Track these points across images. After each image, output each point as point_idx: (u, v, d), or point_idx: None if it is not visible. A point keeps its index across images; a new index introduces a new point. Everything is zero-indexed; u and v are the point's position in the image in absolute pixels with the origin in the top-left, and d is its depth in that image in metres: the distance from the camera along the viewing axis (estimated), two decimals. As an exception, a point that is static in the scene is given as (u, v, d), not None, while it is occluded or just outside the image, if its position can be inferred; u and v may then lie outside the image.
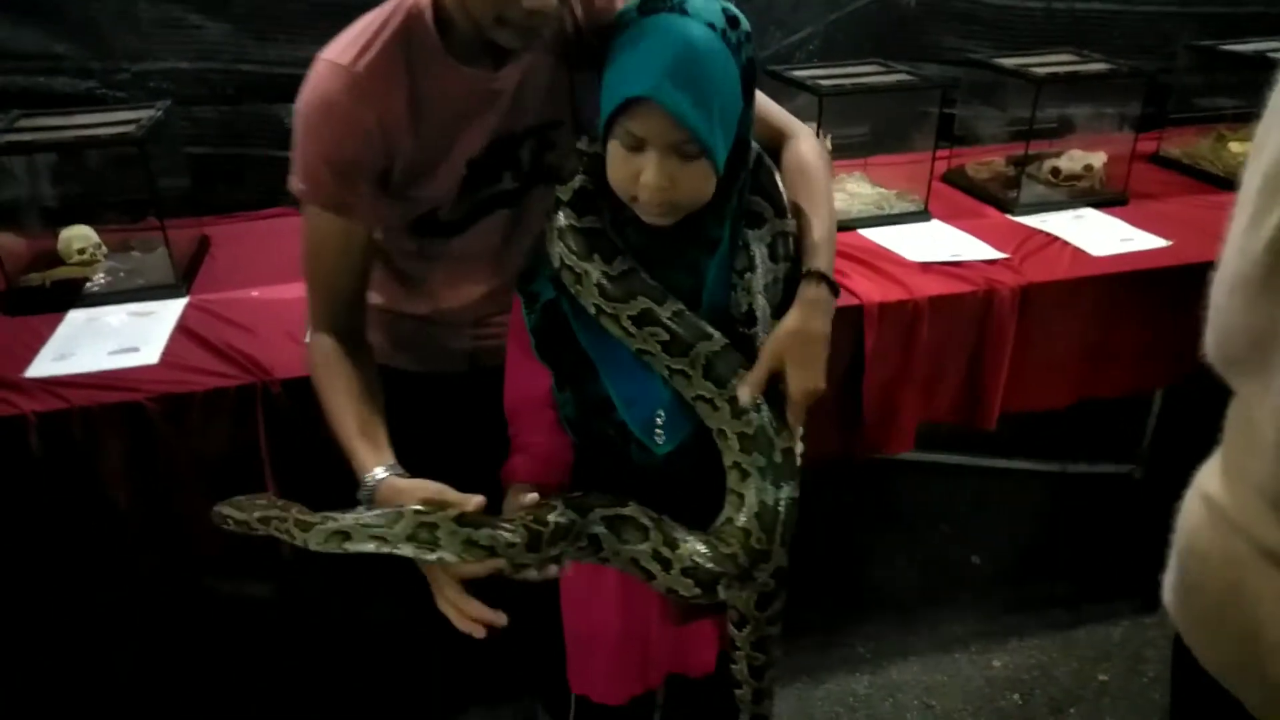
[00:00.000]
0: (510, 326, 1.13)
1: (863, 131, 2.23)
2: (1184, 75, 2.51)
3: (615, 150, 0.98)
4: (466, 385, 1.30)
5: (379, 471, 1.06)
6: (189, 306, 1.71)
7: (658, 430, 1.06)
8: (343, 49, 1.09)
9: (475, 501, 0.97)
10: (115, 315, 1.68)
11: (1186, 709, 0.92)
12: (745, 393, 1.01)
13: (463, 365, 1.34)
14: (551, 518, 0.97)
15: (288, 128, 1.13)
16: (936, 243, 1.94)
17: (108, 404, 1.40)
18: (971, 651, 2.08)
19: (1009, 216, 2.09)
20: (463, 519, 0.95)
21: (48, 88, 2.02)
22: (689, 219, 1.01)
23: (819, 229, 1.10)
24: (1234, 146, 2.33)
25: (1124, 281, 1.84)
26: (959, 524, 2.46)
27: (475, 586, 1.01)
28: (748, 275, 1.05)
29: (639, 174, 0.96)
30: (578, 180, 1.06)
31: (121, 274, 1.80)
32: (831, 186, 1.16)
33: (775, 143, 1.17)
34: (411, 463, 1.08)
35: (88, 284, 1.77)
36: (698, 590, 1.01)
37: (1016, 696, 1.98)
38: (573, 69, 1.19)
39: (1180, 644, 0.86)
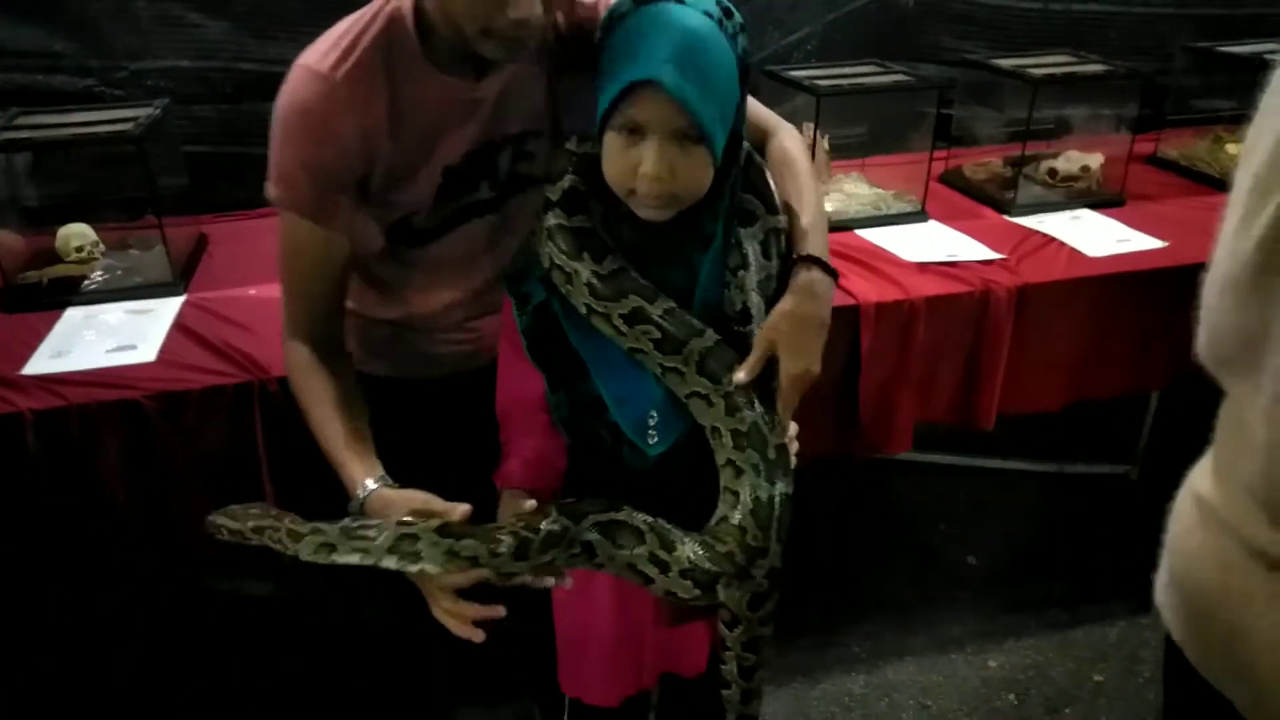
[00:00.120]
0: (502, 328, 1.12)
1: (860, 132, 2.23)
2: (1181, 77, 2.52)
3: (613, 142, 0.98)
4: (442, 391, 1.29)
5: (369, 483, 1.06)
6: (186, 304, 1.71)
7: (650, 430, 1.05)
8: (322, 55, 1.07)
9: (460, 511, 0.97)
10: (113, 313, 1.68)
11: (1179, 709, 0.92)
12: (741, 373, 1.01)
13: (437, 370, 1.32)
14: (544, 525, 0.96)
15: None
16: (933, 243, 1.94)
17: (105, 402, 1.40)
18: (967, 651, 2.08)
19: (1006, 217, 2.09)
20: (445, 529, 0.94)
21: (46, 85, 2.02)
22: (683, 215, 1.01)
23: (806, 217, 1.10)
24: (1231, 148, 2.33)
25: (1121, 282, 1.84)
26: (956, 524, 2.46)
27: (471, 586, 1.01)
28: (741, 273, 1.05)
29: (637, 166, 0.96)
30: (567, 180, 1.05)
31: (119, 272, 1.80)
32: (814, 177, 1.16)
33: (759, 140, 1.17)
34: (392, 469, 1.08)
35: (85, 282, 1.77)
36: (697, 591, 1.00)
37: (1012, 697, 1.98)
38: (554, 78, 1.18)
39: (1172, 644, 0.86)
